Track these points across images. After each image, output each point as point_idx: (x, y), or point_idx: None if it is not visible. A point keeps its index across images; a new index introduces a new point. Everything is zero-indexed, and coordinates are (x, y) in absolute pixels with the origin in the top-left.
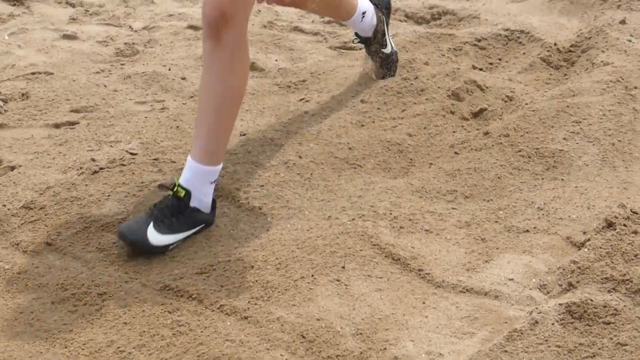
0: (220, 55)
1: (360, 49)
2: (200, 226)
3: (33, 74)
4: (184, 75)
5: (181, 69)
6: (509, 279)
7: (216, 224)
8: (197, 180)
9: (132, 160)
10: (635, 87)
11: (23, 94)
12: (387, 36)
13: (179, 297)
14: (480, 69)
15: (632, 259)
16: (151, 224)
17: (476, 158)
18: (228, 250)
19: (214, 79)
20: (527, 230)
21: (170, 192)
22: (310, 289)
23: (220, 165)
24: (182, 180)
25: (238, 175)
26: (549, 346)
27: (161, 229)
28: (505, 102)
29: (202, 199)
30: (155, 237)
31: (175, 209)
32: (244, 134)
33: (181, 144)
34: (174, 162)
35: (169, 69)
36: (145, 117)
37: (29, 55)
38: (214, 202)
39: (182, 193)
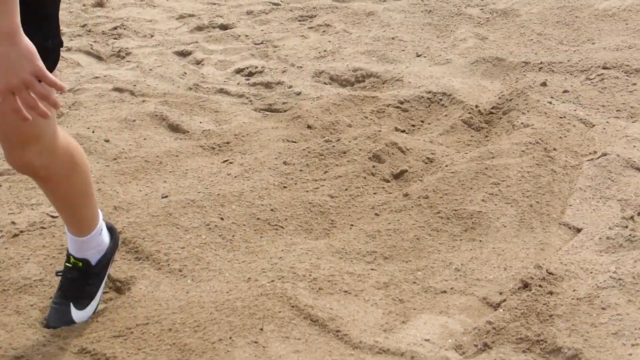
0: (51, 185)
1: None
2: (111, 262)
3: None
4: (108, 137)
5: (105, 131)
6: (425, 340)
7: (137, 285)
8: (85, 245)
9: (52, 222)
10: (554, 149)
11: None
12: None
13: None
14: (403, 131)
15: (547, 319)
16: (71, 306)
17: (396, 219)
18: (147, 312)
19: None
20: (445, 291)
21: (69, 264)
22: (228, 351)
23: (99, 221)
24: (73, 251)
25: (159, 237)
26: None
27: (81, 304)
28: (426, 163)
29: (99, 249)
30: (79, 315)
31: (83, 277)
32: (166, 196)
33: (102, 206)
34: None
35: (93, 131)
36: None
37: None
38: (110, 228)
39: (80, 264)
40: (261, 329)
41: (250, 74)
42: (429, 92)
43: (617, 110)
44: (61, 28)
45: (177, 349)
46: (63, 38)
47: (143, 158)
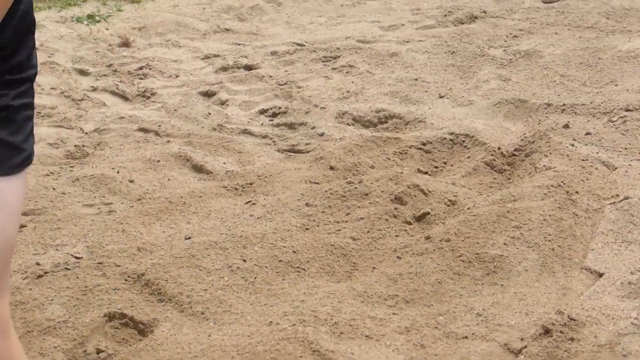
0: None
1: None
2: None
3: None
4: (132, 177)
5: (129, 172)
6: None
7: (160, 328)
8: None
9: (76, 264)
10: (577, 192)
11: None
12: None
13: None
14: (425, 173)
15: None
16: None
17: (418, 262)
18: (170, 355)
19: None
20: (466, 337)
21: None
22: None
23: None
24: None
25: (182, 279)
26: None
27: None
28: (448, 206)
29: None
30: None
31: None
32: (189, 238)
33: (126, 247)
34: (119, 265)
35: (118, 172)
36: (92, 220)
37: None
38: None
39: None
40: None
41: (274, 115)
42: (452, 133)
43: (639, 153)
44: (87, 68)
45: None
46: (89, 78)
47: (167, 199)
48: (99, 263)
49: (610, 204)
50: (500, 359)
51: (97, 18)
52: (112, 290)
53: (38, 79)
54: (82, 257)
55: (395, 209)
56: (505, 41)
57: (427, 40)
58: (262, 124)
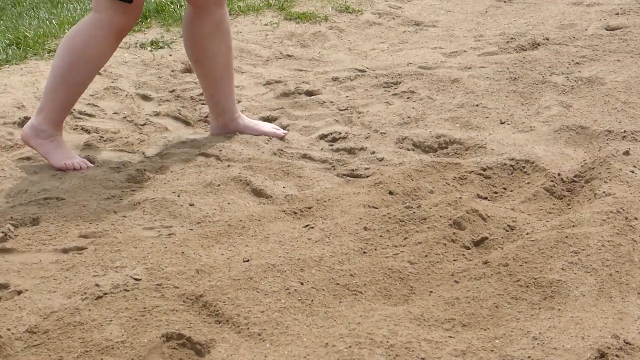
0: None
1: (367, 176)
2: None
3: (45, 199)
4: (192, 201)
5: (190, 195)
6: None
7: (216, 348)
8: None
9: (135, 285)
10: (636, 218)
11: (34, 219)
12: None
13: None
14: (485, 198)
15: None
16: None
17: (475, 287)
18: None
19: None
20: None
21: None
22: None
23: None
24: None
25: (239, 301)
26: None
27: None
28: (507, 231)
29: None
30: None
31: None
32: (247, 260)
33: (185, 269)
34: (177, 287)
35: (178, 195)
36: (152, 243)
37: (42, 180)
38: None
39: None
40: None
41: (334, 140)
42: (512, 159)
43: None
44: (150, 93)
45: None
46: (152, 103)
47: (226, 222)
48: (158, 285)
49: None
50: None
51: (161, 44)
52: (170, 312)
53: (101, 103)
54: (141, 279)
55: (454, 233)
56: (567, 68)
57: (488, 67)
58: (321, 149)
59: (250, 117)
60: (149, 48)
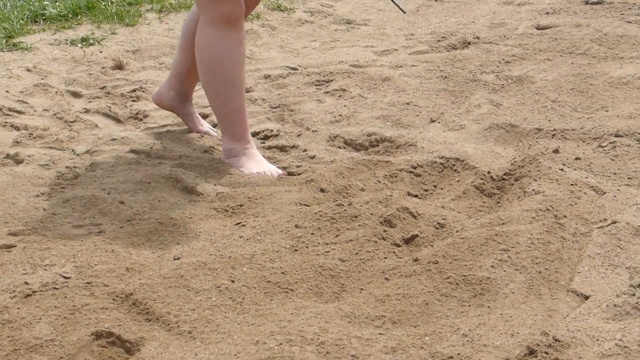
0: None
1: (299, 174)
2: None
3: None
4: (123, 199)
5: (120, 193)
6: None
7: (146, 347)
8: None
9: (65, 283)
10: (565, 216)
11: None
12: None
13: None
14: (415, 196)
15: None
16: None
17: (405, 284)
18: None
19: None
20: (452, 357)
21: None
22: None
23: None
24: None
25: (170, 299)
26: None
27: None
28: (437, 229)
29: None
30: None
31: None
32: (178, 258)
33: (115, 267)
34: (107, 285)
35: (108, 193)
36: (82, 241)
37: None
38: None
39: None
40: None
41: (266, 137)
42: (442, 157)
43: (628, 178)
44: (80, 90)
45: None
46: (82, 100)
47: (157, 220)
48: (88, 283)
49: (598, 228)
50: None
51: (92, 41)
52: (100, 310)
53: (31, 100)
54: (70, 277)
55: (385, 231)
56: (498, 67)
57: (419, 65)
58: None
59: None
60: (79, 45)
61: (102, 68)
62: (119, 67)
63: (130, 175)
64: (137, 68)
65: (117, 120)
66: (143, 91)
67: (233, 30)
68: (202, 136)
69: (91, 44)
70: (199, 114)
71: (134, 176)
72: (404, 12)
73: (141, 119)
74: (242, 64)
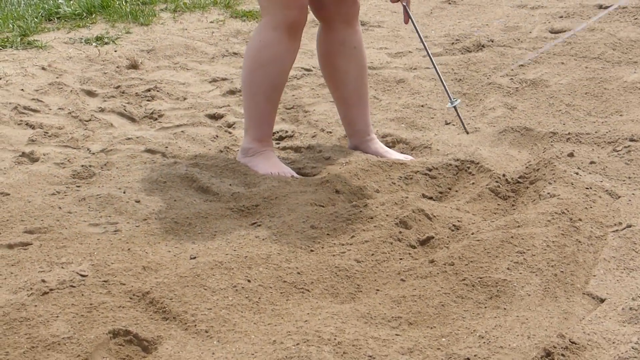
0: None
1: (314, 175)
2: None
3: None
4: (138, 198)
5: (136, 192)
6: None
7: (164, 345)
8: None
9: (82, 281)
10: (580, 220)
11: None
12: None
13: None
14: (430, 198)
15: None
16: None
17: (421, 285)
18: None
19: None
20: (468, 358)
21: None
22: None
23: None
24: None
25: (186, 298)
26: None
27: None
28: (452, 231)
29: None
30: None
31: None
32: (194, 257)
33: (132, 266)
34: (124, 284)
35: (124, 192)
36: (98, 239)
37: None
38: None
39: None
40: None
41: (281, 138)
42: (457, 160)
43: None
44: (95, 89)
45: None
46: (97, 99)
47: (173, 219)
48: (105, 281)
49: (613, 231)
50: None
51: (106, 40)
52: (117, 308)
53: (46, 99)
54: (87, 275)
55: (400, 232)
56: (512, 70)
57: (433, 68)
58: None
59: (197, 114)
60: (94, 44)
61: (117, 67)
62: (134, 66)
63: (145, 175)
64: (151, 67)
65: (132, 119)
66: (158, 91)
67: (292, 38)
68: (216, 136)
69: (106, 43)
70: (213, 114)
71: (149, 175)
72: (467, 133)
73: (156, 119)
74: (287, 72)
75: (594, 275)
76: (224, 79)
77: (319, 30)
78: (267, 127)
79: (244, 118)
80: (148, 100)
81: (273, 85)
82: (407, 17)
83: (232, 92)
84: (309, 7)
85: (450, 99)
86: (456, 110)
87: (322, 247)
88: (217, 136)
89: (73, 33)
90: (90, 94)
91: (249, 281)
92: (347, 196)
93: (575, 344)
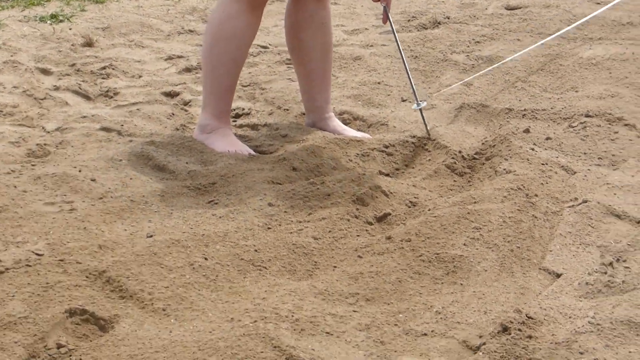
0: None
1: (271, 152)
2: None
3: None
4: (94, 176)
5: (91, 171)
6: None
7: (120, 324)
8: None
9: (37, 261)
10: (536, 195)
11: None
12: None
13: None
14: (387, 175)
15: None
16: None
17: (378, 262)
18: (131, 351)
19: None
20: (425, 334)
21: None
22: None
23: None
24: None
25: (143, 276)
26: None
27: None
28: (409, 207)
29: None
30: None
31: None
32: (151, 236)
33: (88, 245)
34: (80, 262)
35: (80, 171)
36: (54, 218)
37: None
38: None
39: None
40: None
41: (237, 116)
42: (414, 136)
43: (598, 158)
44: (50, 67)
45: None
46: (52, 77)
47: (129, 197)
48: (61, 260)
49: (569, 207)
50: (459, 356)
51: (61, 18)
52: (73, 287)
53: (0, 77)
54: (43, 254)
55: (357, 209)
56: (468, 47)
57: (390, 45)
58: None
59: (152, 92)
60: (48, 22)
61: (72, 45)
62: (89, 44)
63: (101, 153)
64: (106, 45)
65: (87, 97)
66: (113, 68)
67: (252, 13)
68: (172, 114)
69: (60, 21)
70: (169, 92)
71: (105, 154)
72: (429, 136)
73: (111, 97)
74: (248, 47)
75: (550, 251)
76: (179, 57)
77: (288, 2)
78: (226, 103)
79: (202, 93)
80: (103, 78)
81: (233, 60)
82: (386, 18)
83: (188, 70)
84: None
85: (417, 100)
86: (421, 112)
87: (280, 225)
88: (173, 114)
89: (27, 11)
90: (45, 72)
91: (206, 259)
92: (304, 173)
93: (532, 319)
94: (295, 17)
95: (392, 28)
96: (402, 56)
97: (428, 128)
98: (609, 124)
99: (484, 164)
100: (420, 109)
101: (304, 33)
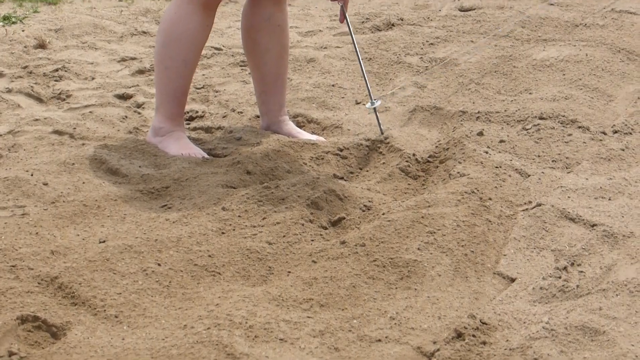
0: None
1: (225, 155)
2: None
3: None
4: (46, 180)
5: (43, 174)
6: None
7: (72, 331)
8: None
9: None
10: (490, 199)
11: None
12: None
13: None
14: (341, 178)
15: None
16: None
17: (333, 267)
18: (83, 358)
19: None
20: (379, 340)
21: None
22: None
23: None
24: None
25: (95, 282)
26: None
27: None
28: (363, 211)
29: None
30: None
31: None
32: (104, 241)
33: (40, 250)
34: (32, 268)
35: (32, 174)
36: (5, 223)
37: None
38: None
39: None
40: None
41: (191, 119)
42: (368, 139)
43: (552, 161)
44: (2, 69)
45: None
46: (4, 79)
47: (81, 202)
48: (12, 266)
49: (523, 210)
50: None
51: (13, 19)
52: (25, 293)
53: None
54: None
55: (312, 213)
56: (422, 49)
57: (344, 47)
58: None
59: (105, 95)
60: (1, 23)
61: (25, 47)
62: (42, 46)
63: (53, 156)
64: (59, 47)
65: (39, 100)
66: (66, 71)
67: (205, 13)
68: (126, 117)
69: (13, 23)
70: (122, 94)
71: (57, 157)
72: (382, 134)
73: (64, 99)
74: (200, 48)
75: (504, 255)
76: (133, 59)
77: (245, 4)
78: (179, 106)
79: (155, 95)
80: (56, 81)
81: (186, 61)
82: (343, 17)
83: (141, 72)
84: None
85: (371, 99)
86: (375, 112)
87: (234, 229)
88: (126, 117)
89: None
90: None
91: (159, 265)
92: (259, 177)
93: (486, 324)
94: (252, 20)
95: (349, 27)
96: (357, 55)
97: (382, 127)
98: (563, 126)
99: (437, 167)
100: (375, 109)
101: (260, 35)
